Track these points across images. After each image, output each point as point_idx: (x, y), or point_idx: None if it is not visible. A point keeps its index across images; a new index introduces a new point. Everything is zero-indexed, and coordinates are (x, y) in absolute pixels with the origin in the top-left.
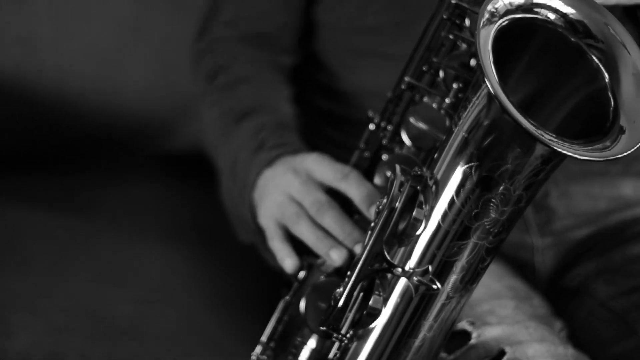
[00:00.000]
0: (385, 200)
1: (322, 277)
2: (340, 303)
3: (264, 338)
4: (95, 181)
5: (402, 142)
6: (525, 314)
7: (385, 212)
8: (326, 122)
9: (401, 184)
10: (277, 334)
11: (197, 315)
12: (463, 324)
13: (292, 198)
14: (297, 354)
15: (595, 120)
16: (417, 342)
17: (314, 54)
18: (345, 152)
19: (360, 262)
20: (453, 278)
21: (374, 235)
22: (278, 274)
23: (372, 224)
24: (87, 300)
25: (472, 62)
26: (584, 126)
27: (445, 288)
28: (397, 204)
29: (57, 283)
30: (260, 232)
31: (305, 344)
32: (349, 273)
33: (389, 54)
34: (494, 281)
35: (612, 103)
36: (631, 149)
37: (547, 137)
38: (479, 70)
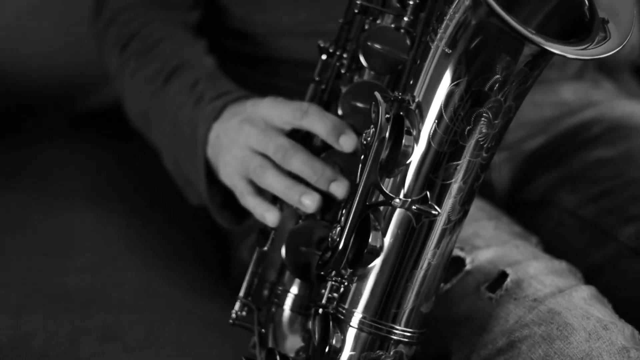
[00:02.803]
0: (372, 130)
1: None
2: (341, 245)
3: (241, 294)
4: (14, 149)
5: (360, 70)
6: (507, 232)
7: (376, 143)
8: (247, 65)
9: (386, 112)
10: (254, 288)
11: (157, 279)
12: (454, 250)
13: (253, 150)
14: (280, 303)
15: (571, 24)
16: (422, 272)
17: (218, 4)
18: (272, 92)
19: (357, 199)
20: (451, 201)
21: (367, 168)
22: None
23: (362, 158)
24: (39, 275)
25: None
26: (561, 30)
27: (444, 212)
28: (386, 133)
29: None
30: (215, 192)
31: (288, 291)
32: (344, 211)
33: None
34: None
35: (587, 2)
36: (625, 40)
37: (538, 38)
38: None
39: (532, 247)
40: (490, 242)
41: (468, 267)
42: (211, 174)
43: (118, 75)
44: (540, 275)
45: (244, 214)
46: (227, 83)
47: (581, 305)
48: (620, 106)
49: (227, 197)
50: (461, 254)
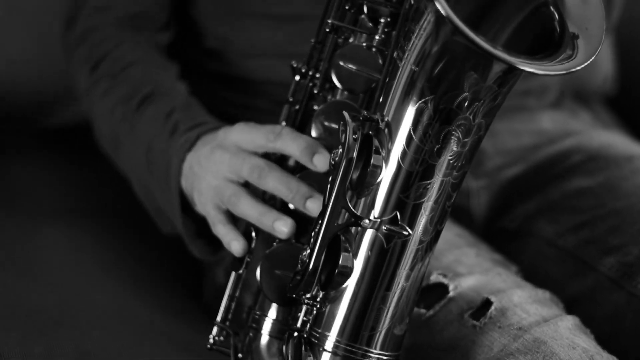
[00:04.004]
0: (340, 151)
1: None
2: (311, 267)
3: (218, 318)
4: None
5: (333, 89)
6: (488, 260)
7: (343, 163)
8: (222, 86)
9: (354, 131)
10: (231, 312)
11: (129, 299)
12: (436, 277)
13: (227, 178)
14: (258, 328)
15: (541, 38)
16: (397, 294)
17: (195, 22)
18: (244, 112)
19: (326, 220)
20: (423, 221)
21: (335, 189)
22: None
23: (330, 178)
24: (6, 293)
25: None
26: (531, 44)
27: (415, 232)
28: (354, 153)
29: None
30: (189, 222)
31: (265, 315)
32: (313, 234)
33: (279, 14)
34: (444, 231)
35: (557, 16)
36: (593, 55)
37: (504, 55)
38: None
39: (514, 276)
40: (472, 269)
41: (451, 293)
42: (185, 205)
43: (87, 95)
44: (524, 303)
45: (218, 244)
46: (202, 113)
47: (567, 335)
48: (598, 136)
49: (200, 227)
50: (444, 280)
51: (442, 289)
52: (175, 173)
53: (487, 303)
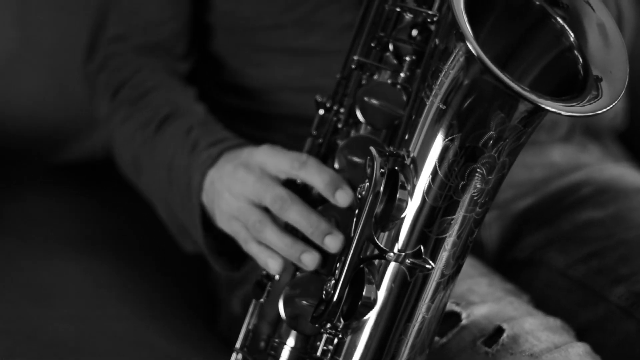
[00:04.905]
0: (367, 185)
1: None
2: (335, 297)
3: (237, 345)
4: None
5: (357, 124)
6: (500, 289)
7: (370, 197)
8: (239, 119)
9: (381, 166)
10: (249, 339)
11: (144, 328)
12: (449, 305)
13: (250, 201)
14: (277, 356)
15: (566, 81)
16: (417, 326)
17: (213, 55)
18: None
19: (352, 251)
20: (445, 255)
21: (362, 222)
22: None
23: (357, 211)
24: (25, 322)
25: (414, 32)
26: (556, 86)
27: (438, 266)
28: (380, 187)
29: None
30: (211, 238)
31: (284, 343)
32: (338, 265)
33: (295, 49)
34: None
35: (581, 60)
36: (618, 98)
37: (532, 95)
38: (455, 32)
39: (526, 305)
40: (485, 298)
41: (464, 322)
42: (206, 221)
43: (108, 121)
44: (536, 331)
45: (240, 259)
46: (221, 130)
47: None
48: (607, 169)
49: (222, 243)
50: (457, 309)
51: (455, 317)
52: (197, 189)
53: (499, 330)
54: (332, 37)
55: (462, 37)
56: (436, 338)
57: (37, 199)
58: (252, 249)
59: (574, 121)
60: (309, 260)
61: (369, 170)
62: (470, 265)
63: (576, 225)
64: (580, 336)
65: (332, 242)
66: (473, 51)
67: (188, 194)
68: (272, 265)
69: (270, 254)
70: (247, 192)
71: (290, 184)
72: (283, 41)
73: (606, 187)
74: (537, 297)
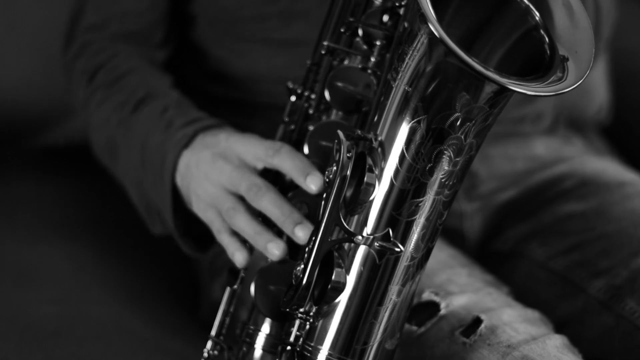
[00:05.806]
0: (334, 169)
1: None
2: (304, 282)
3: (212, 332)
4: None
5: (328, 110)
6: (480, 280)
7: (337, 181)
8: (222, 108)
9: (348, 150)
10: (225, 327)
11: (126, 313)
12: (428, 295)
13: (226, 189)
14: (252, 342)
15: (532, 61)
16: (389, 309)
17: (196, 45)
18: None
19: (320, 236)
20: (414, 238)
21: (329, 206)
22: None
23: (324, 195)
24: (5, 305)
25: (385, 18)
26: (522, 66)
27: (407, 249)
28: (347, 171)
29: None
30: (180, 219)
31: (259, 330)
32: (307, 249)
33: (278, 39)
34: (437, 251)
35: (547, 39)
36: (582, 77)
37: (496, 76)
38: (418, 15)
39: (505, 296)
40: (464, 288)
41: (442, 311)
42: (177, 202)
43: (85, 106)
44: (514, 322)
45: (208, 242)
46: (196, 110)
47: (554, 354)
48: (590, 162)
49: (191, 225)
50: (436, 298)
51: (434, 307)
52: (170, 167)
53: (478, 321)
54: (314, 28)
55: (424, 19)
56: (414, 327)
57: (19, 183)
58: (223, 239)
59: (558, 114)
60: (275, 249)
61: (336, 155)
62: (450, 256)
63: (558, 217)
64: (559, 329)
65: (301, 232)
66: (435, 33)
67: (161, 172)
68: (238, 258)
69: (238, 246)
70: (223, 180)
71: (267, 174)
72: (265, 32)
73: (588, 181)
74: (518, 289)
